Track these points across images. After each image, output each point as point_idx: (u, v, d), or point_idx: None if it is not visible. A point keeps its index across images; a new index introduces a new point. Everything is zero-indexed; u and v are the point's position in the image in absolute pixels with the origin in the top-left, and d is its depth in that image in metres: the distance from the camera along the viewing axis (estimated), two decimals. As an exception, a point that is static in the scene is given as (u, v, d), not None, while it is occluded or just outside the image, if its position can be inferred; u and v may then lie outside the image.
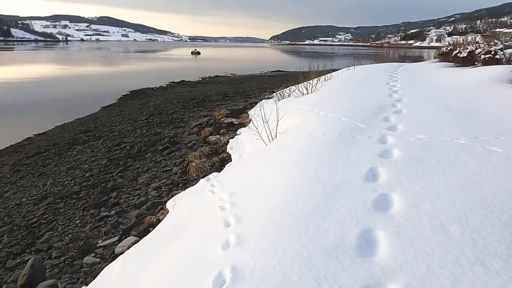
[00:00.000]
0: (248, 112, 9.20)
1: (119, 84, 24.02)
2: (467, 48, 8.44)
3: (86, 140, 10.58)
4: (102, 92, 21.24)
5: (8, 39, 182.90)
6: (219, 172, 4.81)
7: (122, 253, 3.19)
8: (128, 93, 20.57)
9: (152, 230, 3.65)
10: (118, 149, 8.87)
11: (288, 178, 2.87)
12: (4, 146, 11.18)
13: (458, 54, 8.60)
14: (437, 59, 11.06)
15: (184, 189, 4.85)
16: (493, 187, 2.26)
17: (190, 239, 2.54)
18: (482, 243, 1.68)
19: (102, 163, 7.93)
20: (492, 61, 7.57)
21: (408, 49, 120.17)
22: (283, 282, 1.61)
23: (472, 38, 11.80)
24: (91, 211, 5.27)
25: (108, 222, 4.68)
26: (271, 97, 10.20)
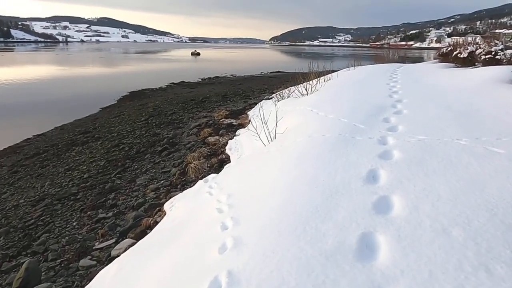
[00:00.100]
0: (248, 113, 9.16)
1: (119, 85, 23.98)
2: (468, 49, 8.40)
3: (85, 141, 10.53)
4: (101, 93, 21.20)
5: (8, 40, 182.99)
6: (218, 173, 4.76)
7: (118, 255, 3.14)
8: (128, 94, 20.53)
9: (149, 232, 3.60)
10: (116, 150, 8.82)
11: (286, 179, 2.82)
12: (3, 147, 11.13)
13: (459, 55, 8.56)
14: (437, 60, 11.03)
15: (182, 191, 4.81)
16: (495, 189, 2.21)
17: (186, 243, 2.49)
18: (486, 247, 1.63)
19: (101, 164, 7.88)
20: (493, 61, 7.53)
21: (408, 50, 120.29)
22: (280, 288, 1.56)
23: (472, 39, 11.78)
24: (88, 212, 5.22)
25: (105, 224, 4.62)
26: (271, 98, 10.16)
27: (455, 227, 1.82)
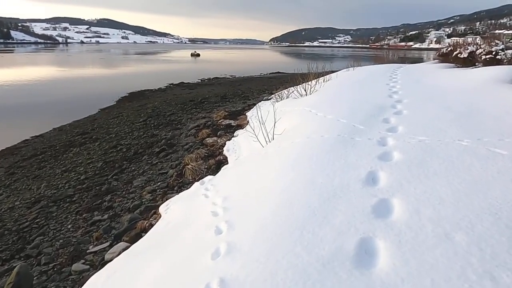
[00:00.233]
0: (246, 114, 9.08)
1: (118, 86, 23.90)
2: (468, 49, 8.34)
3: (83, 142, 10.46)
4: (101, 94, 21.12)
5: (8, 41, 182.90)
6: (215, 175, 4.69)
7: (111, 260, 3.06)
8: (127, 95, 20.45)
9: (144, 235, 3.52)
10: (114, 151, 8.75)
11: (283, 182, 2.74)
12: (1, 148, 11.05)
13: (459, 55, 8.49)
14: (437, 60, 10.97)
15: (179, 193, 4.73)
16: (499, 191, 2.13)
17: (179, 248, 2.41)
18: (490, 254, 1.55)
19: (98, 166, 7.81)
20: (493, 61, 7.47)
21: (408, 50, 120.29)
22: (275, 297, 1.49)
23: (472, 39, 11.72)
24: (84, 215, 5.14)
25: (100, 226, 4.55)
26: (270, 99, 10.09)
27: (458, 232, 1.74)
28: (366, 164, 2.78)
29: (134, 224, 4.04)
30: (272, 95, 10.80)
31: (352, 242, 1.77)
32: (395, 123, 3.88)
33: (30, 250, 4.34)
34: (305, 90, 7.89)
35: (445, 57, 9.89)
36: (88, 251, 3.89)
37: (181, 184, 5.24)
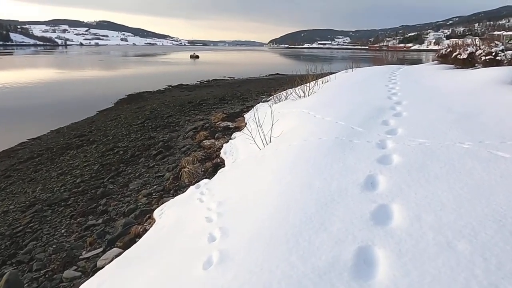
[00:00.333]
0: (244, 116, 9.01)
1: (117, 88, 23.82)
2: (467, 50, 8.28)
3: (80, 144, 10.37)
4: (99, 96, 21.04)
5: (7, 43, 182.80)
6: (211, 178, 4.60)
7: (103, 267, 2.98)
8: (126, 97, 20.37)
9: (138, 240, 3.44)
10: (111, 154, 8.66)
11: (279, 186, 2.66)
12: (-3, 151, 10.97)
13: (458, 56, 8.44)
14: (436, 61, 10.92)
15: (175, 196, 4.65)
16: (502, 196, 2.06)
17: (171, 256, 2.33)
18: (495, 264, 1.47)
19: (94, 169, 7.72)
20: (493, 62, 7.41)
21: (407, 52, 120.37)
22: (268, 310, 1.41)
23: (471, 40, 11.67)
24: (78, 219, 5.05)
25: (94, 231, 4.45)
26: (268, 100, 10.02)
27: (460, 240, 1.66)
28: (365, 168, 2.71)
29: (128, 229, 3.95)
30: (271, 97, 10.72)
31: (350, 251, 1.69)
32: (394, 125, 3.82)
33: (22, 255, 4.24)
34: (303, 92, 7.82)
35: (445, 58, 9.85)
36: (81, 257, 3.80)
37: (177, 188, 5.15)
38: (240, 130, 7.34)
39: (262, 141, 4.61)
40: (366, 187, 2.40)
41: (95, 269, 3.26)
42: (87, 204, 5.59)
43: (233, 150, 5.60)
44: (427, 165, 2.61)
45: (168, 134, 9.60)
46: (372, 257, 1.65)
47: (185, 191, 4.42)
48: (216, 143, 6.91)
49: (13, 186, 7.81)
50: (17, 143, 11.84)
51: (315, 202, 2.25)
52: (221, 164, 5.40)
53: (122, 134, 10.75)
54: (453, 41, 12.14)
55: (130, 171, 7.02)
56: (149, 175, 6.44)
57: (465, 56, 8.20)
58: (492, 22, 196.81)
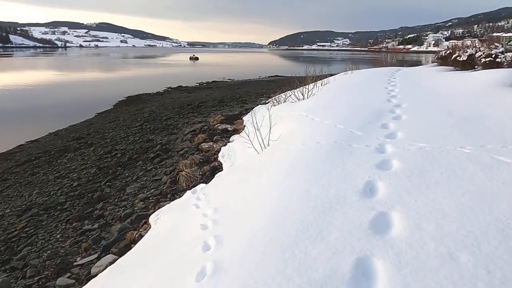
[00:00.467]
0: (243, 118, 8.95)
1: (116, 90, 23.77)
2: (467, 52, 8.23)
3: (78, 147, 10.31)
4: (98, 98, 20.99)
5: (7, 45, 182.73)
6: (209, 182, 4.55)
7: (97, 274, 2.92)
8: (125, 99, 20.33)
9: (133, 246, 3.38)
10: (109, 157, 8.60)
11: (277, 192, 2.60)
12: (-5, 154, 10.90)
13: (458, 58, 8.39)
14: (436, 63, 10.87)
15: (172, 200, 4.59)
16: (506, 204, 1.99)
17: (164, 265, 2.26)
18: (500, 278, 1.41)
19: (91, 172, 7.65)
20: (493, 64, 7.36)
21: (406, 53, 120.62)
22: (262, 327, 1.34)
23: (471, 42, 11.64)
24: (74, 224, 4.98)
25: (90, 236, 4.39)
26: (267, 102, 9.96)
27: (463, 251, 1.60)
28: (364, 174, 2.64)
29: (124, 235, 3.89)
30: (270, 99, 10.67)
31: (348, 263, 1.63)
32: (394, 129, 3.75)
33: (16, 261, 4.17)
34: (302, 94, 7.76)
35: (444, 60, 9.80)
36: (75, 263, 3.73)
37: (175, 192, 5.09)
38: (239, 133, 7.28)
39: (260, 144, 4.55)
40: (365, 194, 2.34)
41: (88, 277, 3.20)
42: (83, 208, 5.53)
43: (231, 153, 5.54)
44: (427, 171, 2.55)
45: (167, 136, 9.54)
46: (371, 269, 1.59)
47: (182, 195, 4.36)
48: (214, 146, 6.85)
49: (9, 190, 7.74)
50: (15, 146, 11.78)
51: (312, 210, 2.19)
52: (219, 167, 5.34)
53: (120, 136, 10.69)
54: (452, 42, 12.11)
55: (127, 174, 6.96)
56: (147, 178, 6.38)
57: (464, 58, 8.15)
58: (491, 24, 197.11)
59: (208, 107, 13.94)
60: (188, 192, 4.06)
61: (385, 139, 3.42)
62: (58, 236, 4.72)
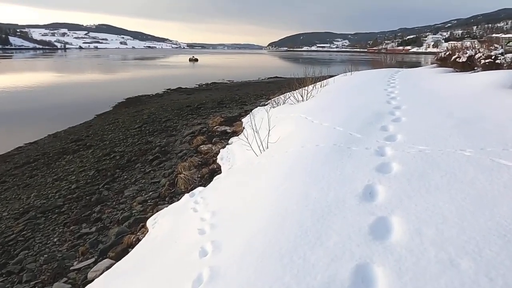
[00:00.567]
0: (242, 120, 8.92)
1: (116, 92, 23.73)
2: (467, 53, 8.22)
3: (76, 149, 10.27)
4: (98, 99, 20.95)
5: (7, 47, 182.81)
6: (208, 184, 4.51)
7: (93, 279, 2.88)
8: (124, 100, 20.29)
9: (130, 250, 3.34)
10: (107, 159, 8.56)
11: (275, 196, 2.57)
12: (-7, 156, 10.86)
13: (457, 59, 8.37)
14: (435, 65, 10.86)
15: (170, 203, 4.56)
16: (507, 208, 1.97)
17: (161, 271, 2.23)
18: (502, 285, 1.38)
19: (90, 174, 7.62)
20: (493, 66, 7.34)
21: (405, 55, 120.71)
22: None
23: (470, 43, 11.63)
24: (71, 227, 4.94)
25: (87, 240, 4.35)
26: (267, 104, 9.94)
27: (463, 257, 1.57)
28: (363, 177, 2.61)
29: (121, 239, 3.85)
30: (269, 101, 10.65)
31: (348, 269, 1.60)
32: (393, 131, 3.73)
33: (13, 266, 4.13)
34: (301, 96, 7.74)
35: (444, 62, 9.78)
36: (72, 268, 3.69)
37: (173, 195, 5.06)
38: (238, 135, 7.26)
39: (258, 147, 4.53)
40: (365, 198, 2.31)
41: (85, 282, 3.16)
42: (81, 212, 5.49)
43: (230, 156, 5.51)
44: (427, 174, 2.52)
45: (166, 138, 9.51)
46: (371, 276, 1.56)
47: (180, 198, 4.33)
48: (213, 148, 6.82)
49: (7, 192, 7.70)
50: (13, 148, 11.73)
51: (311, 214, 2.16)
52: (218, 170, 5.31)
53: (119, 138, 10.65)
54: (452, 43, 12.10)
55: (126, 176, 6.92)
56: (145, 181, 6.35)
57: (464, 59, 8.13)
58: (490, 25, 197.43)
59: (207, 109, 13.91)
60: (186, 195, 4.03)
61: (385, 142, 3.40)
62: (55, 239, 4.69)
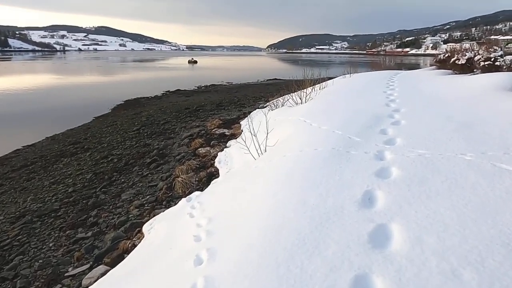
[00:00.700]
0: (241, 122, 8.88)
1: (114, 94, 23.68)
2: (466, 55, 8.19)
3: (74, 152, 10.21)
4: (96, 102, 20.89)
5: (6, 49, 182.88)
6: (205, 188, 4.46)
7: (88, 286, 2.82)
8: (122, 102, 20.25)
9: (126, 256, 3.29)
10: (105, 162, 8.50)
11: (273, 202, 2.52)
12: (-9, 159, 10.79)
13: (457, 61, 8.35)
14: (434, 67, 10.84)
15: (168, 207, 4.51)
16: (509, 215, 1.92)
17: (155, 280, 2.18)
18: (506, 298, 1.33)
19: (87, 177, 7.55)
20: (492, 68, 7.31)
21: (404, 56, 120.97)
22: None
23: (470, 45, 11.62)
24: (67, 231, 4.88)
25: (83, 245, 4.29)
26: (265, 107, 9.90)
27: (466, 267, 1.52)
28: (362, 182, 2.57)
29: (117, 244, 3.79)
30: (268, 103, 10.60)
31: (346, 280, 1.55)
32: (393, 135, 3.68)
33: (7, 272, 4.07)
34: (300, 98, 7.70)
35: (443, 64, 9.76)
36: (66, 274, 3.63)
37: (170, 198, 5.00)
38: (236, 138, 7.21)
39: (256, 150, 4.48)
40: (364, 204, 2.26)
41: (79, 289, 3.11)
42: (77, 216, 5.43)
43: (228, 159, 5.46)
44: (427, 179, 2.48)
45: (164, 141, 9.45)
46: (370, 287, 1.51)
47: (178, 202, 4.28)
48: (211, 151, 6.77)
49: (4, 196, 7.63)
50: (11, 150, 11.66)
51: (309, 221, 2.11)
52: (215, 173, 5.26)
53: (117, 141, 10.60)
54: (451, 45, 12.09)
55: (123, 180, 6.86)
56: (142, 184, 6.29)
57: (463, 62, 8.11)
58: (488, 27, 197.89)
59: (206, 111, 13.86)
60: (183, 199, 3.98)
61: (384, 146, 3.35)
62: (50, 244, 4.62)
